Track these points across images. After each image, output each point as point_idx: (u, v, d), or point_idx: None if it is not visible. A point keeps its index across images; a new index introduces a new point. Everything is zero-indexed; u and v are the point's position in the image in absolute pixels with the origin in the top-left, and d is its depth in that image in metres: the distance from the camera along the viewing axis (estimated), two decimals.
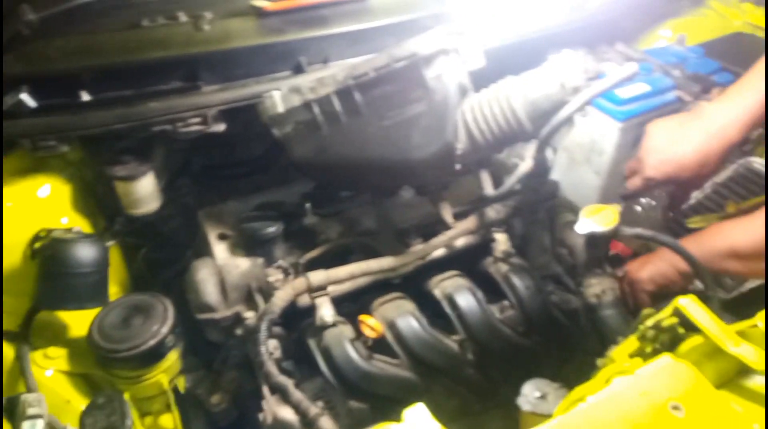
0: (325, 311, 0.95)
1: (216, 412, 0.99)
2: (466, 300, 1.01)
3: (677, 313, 0.79)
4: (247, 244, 1.01)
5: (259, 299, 0.96)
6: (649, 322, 0.81)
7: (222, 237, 1.04)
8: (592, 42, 1.33)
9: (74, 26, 0.97)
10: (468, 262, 1.11)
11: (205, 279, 0.97)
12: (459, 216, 1.09)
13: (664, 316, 0.80)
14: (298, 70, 1.01)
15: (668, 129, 1.00)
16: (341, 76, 0.90)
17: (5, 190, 0.93)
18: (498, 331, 1.00)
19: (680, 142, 0.98)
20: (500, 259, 1.07)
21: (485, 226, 1.08)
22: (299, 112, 0.92)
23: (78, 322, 0.96)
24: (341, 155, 0.95)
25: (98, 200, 1.09)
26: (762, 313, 0.83)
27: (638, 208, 1.08)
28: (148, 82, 0.96)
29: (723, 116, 0.97)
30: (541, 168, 0.99)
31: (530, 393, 0.83)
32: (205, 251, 1.04)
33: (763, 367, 0.73)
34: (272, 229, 0.99)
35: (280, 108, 0.91)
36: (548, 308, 1.04)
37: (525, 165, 0.99)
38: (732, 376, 0.82)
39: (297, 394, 0.84)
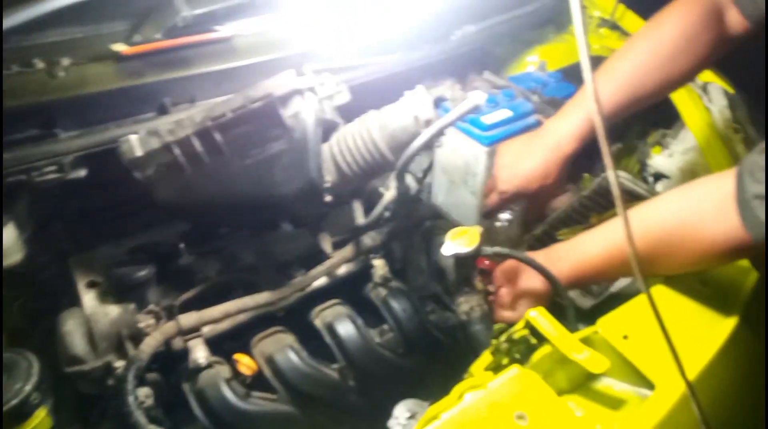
0: (199, 353, 0.94)
1: None
2: (345, 327, 1.03)
3: (528, 324, 0.84)
4: (118, 290, 0.99)
5: (130, 347, 0.94)
6: (503, 337, 0.86)
7: (92, 284, 1.01)
8: (462, 71, 1.41)
9: None
10: (350, 289, 1.14)
11: (72, 330, 0.94)
12: (338, 245, 1.12)
13: (516, 329, 0.85)
14: (162, 111, 1.01)
15: (515, 147, 1.12)
16: (199, 117, 0.91)
17: None
18: (376, 355, 1.02)
19: (525, 158, 1.09)
20: (379, 284, 1.11)
21: (363, 253, 1.11)
22: (160, 155, 0.92)
23: None
24: (208, 194, 0.95)
25: None
26: (602, 320, 0.90)
27: (497, 224, 1.15)
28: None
29: (557, 131, 1.08)
30: (406, 195, 1.04)
31: (401, 414, 0.86)
32: (75, 300, 1.01)
33: (601, 371, 0.80)
34: (143, 273, 0.97)
35: (138, 152, 0.91)
36: (426, 328, 1.07)
37: (389, 194, 1.03)
38: (583, 380, 0.88)
39: None
